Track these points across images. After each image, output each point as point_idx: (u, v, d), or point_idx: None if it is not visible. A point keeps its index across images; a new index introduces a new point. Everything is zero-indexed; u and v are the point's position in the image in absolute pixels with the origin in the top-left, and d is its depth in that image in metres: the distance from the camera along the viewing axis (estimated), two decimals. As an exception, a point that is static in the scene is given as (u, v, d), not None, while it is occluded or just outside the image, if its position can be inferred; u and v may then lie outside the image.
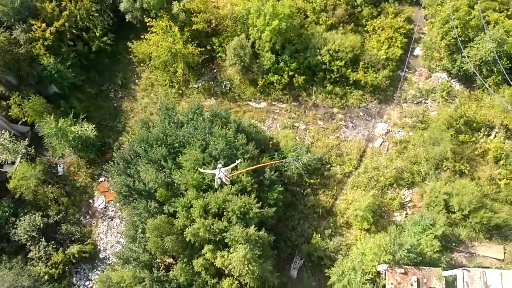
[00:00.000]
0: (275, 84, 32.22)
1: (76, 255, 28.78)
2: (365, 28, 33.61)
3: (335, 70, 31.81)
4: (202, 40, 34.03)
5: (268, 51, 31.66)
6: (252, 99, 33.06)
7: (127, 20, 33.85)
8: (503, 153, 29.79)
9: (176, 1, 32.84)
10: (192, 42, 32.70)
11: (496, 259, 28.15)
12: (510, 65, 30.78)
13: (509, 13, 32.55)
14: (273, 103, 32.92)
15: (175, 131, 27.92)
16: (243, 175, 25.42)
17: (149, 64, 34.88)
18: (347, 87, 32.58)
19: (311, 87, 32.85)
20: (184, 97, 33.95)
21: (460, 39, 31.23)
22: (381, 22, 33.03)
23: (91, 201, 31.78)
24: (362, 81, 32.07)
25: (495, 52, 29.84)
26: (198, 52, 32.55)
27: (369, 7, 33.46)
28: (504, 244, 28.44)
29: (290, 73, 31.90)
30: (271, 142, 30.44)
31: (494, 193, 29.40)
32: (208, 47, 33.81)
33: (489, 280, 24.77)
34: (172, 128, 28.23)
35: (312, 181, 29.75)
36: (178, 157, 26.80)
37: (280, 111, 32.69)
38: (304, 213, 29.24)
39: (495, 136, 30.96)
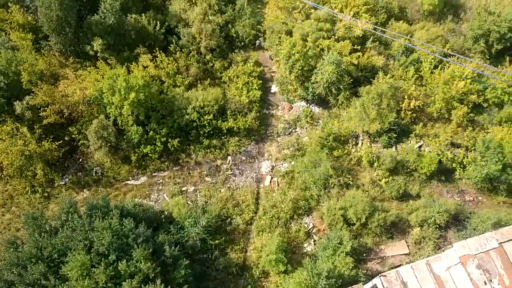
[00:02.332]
0: (150, 154, 31.58)
1: None
2: (222, 80, 35.81)
3: (206, 124, 32.78)
4: (58, 132, 32.00)
5: (133, 124, 31.21)
6: (130, 177, 31.75)
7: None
8: (373, 156, 33.74)
9: (18, 100, 30.61)
10: (47, 138, 30.47)
11: (403, 254, 30.78)
12: (351, 80, 35.88)
13: (336, 37, 38.22)
14: (153, 174, 32.08)
15: (49, 241, 24.86)
16: (140, 262, 23.60)
17: (2, 175, 31.16)
18: (223, 137, 33.71)
19: (188, 147, 33.09)
20: (51, 199, 30.85)
21: (305, 69, 35.53)
22: (234, 71, 35.64)
23: None
24: (235, 128, 33.62)
25: (335, 72, 34.43)
26: (56, 147, 30.36)
27: (219, 60, 36.00)
28: (404, 238, 31.45)
29: (163, 139, 31.74)
30: (162, 215, 29.25)
31: (379, 194, 32.73)
32: (66, 138, 31.80)
33: (404, 277, 26.64)
34: (46, 239, 25.11)
35: (217, 241, 29.13)
36: (61, 269, 23.72)
37: (163, 180, 31.95)
38: (218, 278, 28.18)
39: (362, 143, 35.07)
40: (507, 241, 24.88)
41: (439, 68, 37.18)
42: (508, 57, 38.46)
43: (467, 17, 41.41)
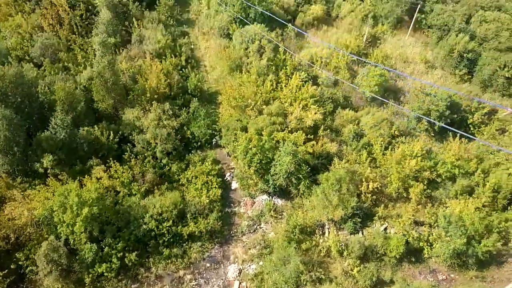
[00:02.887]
0: (105, 274, 29.49)
1: None
2: (180, 182, 35.57)
3: (165, 232, 31.66)
4: (3, 260, 29.52)
5: (86, 242, 29.58)
6: (85, 304, 29.09)
7: None
8: (342, 245, 33.34)
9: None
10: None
11: None
12: (309, 168, 36.78)
13: (289, 129, 39.88)
14: (110, 296, 29.63)
15: None
16: None
17: None
18: (184, 244, 32.44)
19: (147, 260, 31.38)
20: None
21: (263, 162, 36.22)
22: (192, 172, 35.74)
23: None
24: (196, 232, 32.63)
25: (293, 162, 35.23)
26: (0, 278, 27.73)
27: (176, 163, 36.17)
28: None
29: (119, 255, 30.07)
30: None
31: (353, 285, 31.78)
32: (13, 266, 29.30)
33: None
34: None
35: None
36: None
37: (121, 302, 29.53)
38: None
39: (329, 232, 34.82)
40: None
41: (389, 149, 39.18)
42: (450, 132, 41.31)
43: (407, 99, 45.10)
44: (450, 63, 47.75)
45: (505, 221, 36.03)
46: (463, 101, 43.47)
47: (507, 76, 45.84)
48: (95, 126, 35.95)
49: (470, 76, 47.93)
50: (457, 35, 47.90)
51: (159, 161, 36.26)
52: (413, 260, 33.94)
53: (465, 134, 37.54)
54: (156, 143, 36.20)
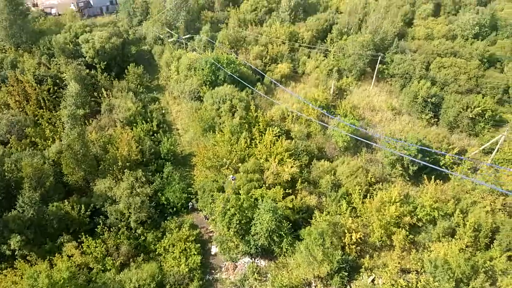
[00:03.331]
0: None
1: None
2: (157, 252, 34.67)
3: (144, 309, 30.19)
4: None
5: (58, 328, 27.76)
6: None
7: None
8: (331, 302, 32.61)
9: None
10: None
11: None
12: (291, 224, 36.68)
13: (267, 185, 40.25)
14: None
15: None
16: None
17: None
18: (163, 320, 30.93)
19: None
20: None
21: (242, 222, 35.96)
22: (169, 240, 35.03)
23: None
24: (177, 305, 31.30)
25: (274, 219, 35.12)
26: None
27: (151, 232, 35.49)
28: None
29: None
30: None
31: None
32: None
33: None
34: None
35: None
36: None
37: None
38: None
39: (316, 290, 34.12)
40: None
41: (368, 196, 39.90)
42: (425, 175, 42.67)
43: (379, 146, 46.80)
44: (415, 108, 50.54)
45: (490, 260, 36.42)
46: (433, 143, 45.49)
47: (470, 116, 48.73)
48: (65, 200, 35.43)
49: (436, 119, 50.64)
50: (419, 82, 51.28)
51: (133, 232, 35.50)
52: (406, 311, 33.26)
53: (437, 167, 38.88)
54: (130, 213, 35.66)
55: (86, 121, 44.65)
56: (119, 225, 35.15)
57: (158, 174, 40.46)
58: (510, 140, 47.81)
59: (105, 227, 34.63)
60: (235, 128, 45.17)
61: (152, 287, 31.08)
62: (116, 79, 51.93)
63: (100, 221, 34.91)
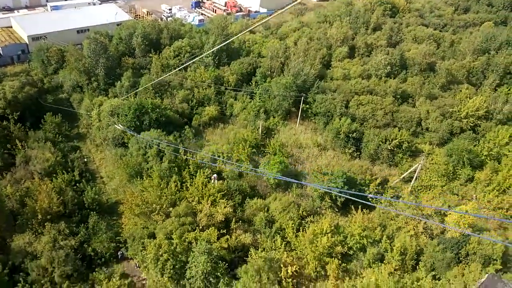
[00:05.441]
0: None
1: None
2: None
3: None
4: None
5: None
6: None
7: None
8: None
9: None
10: None
11: None
12: (227, 264, 39.48)
13: (200, 227, 42.92)
14: None
15: None
16: None
17: None
18: None
19: None
20: None
21: (176, 267, 38.11)
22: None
23: None
24: None
25: (209, 261, 37.69)
26: None
27: (78, 285, 36.31)
28: None
29: None
30: None
31: None
32: None
33: None
34: None
35: None
36: None
37: None
38: None
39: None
40: None
41: (301, 230, 44.30)
42: (352, 205, 48.43)
43: (308, 181, 52.29)
44: (339, 143, 57.60)
45: (417, 281, 42.05)
46: (357, 175, 52.07)
47: (389, 148, 56.65)
48: (-22, 261, 35.11)
49: (359, 153, 57.95)
50: (340, 119, 58.76)
51: (59, 287, 35.83)
52: (343, 338, 37.00)
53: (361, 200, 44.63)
54: (54, 267, 36.15)
55: (-1, 174, 44.78)
56: (42, 281, 35.42)
57: (83, 225, 41.42)
58: (426, 168, 56.22)
59: (27, 285, 34.69)
60: (164, 173, 47.90)
61: None
62: (32, 129, 52.61)
63: (21, 279, 34.93)
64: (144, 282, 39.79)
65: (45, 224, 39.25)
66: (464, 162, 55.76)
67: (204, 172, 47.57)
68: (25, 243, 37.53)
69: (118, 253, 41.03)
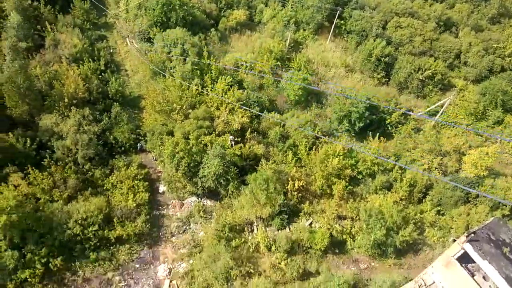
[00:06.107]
0: (29, 279, 33.14)
1: None
2: (105, 187, 40.17)
3: (91, 236, 36.03)
4: None
5: (6, 249, 33.00)
6: (7, 310, 32.50)
7: None
8: (270, 240, 40.01)
9: None
10: None
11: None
12: (238, 170, 43.38)
13: (217, 132, 46.28)
14: (34, 302, 33.35)
15: None
16: None
17: None
18: (111, 247, 37.04)
19: (73, 264, 35.50)
20: None
21: (191, 165, 42.10)
22: (117, 177, 40.50)
23: None
24: (124, 235, 37.39)
25: (221, 165, 41.51)
26: None
27: (99, 168, 40.79)
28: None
29: (43, 260, 33.86)
30: None
31: (281, 277, 38.32)
32: None
33: None
34: None
35: None
36: None
37: (47, 306, 33.36)
38: None
39: (257, 229, 41.45)
40: (403, 301, 32.11)
41: (313, 149, 47.22)
42: (370, 132, 50.58)
43: (329, 102, 54.07)
44: (368, 67, 58.06)
45: (420, 213, 45.51)
46: (381, 102, 53.38)
47: (421, 78, 57.02)
48: (10, 133, 39.48)
49: (387, 79, 58.56)
50: (374, 40, 58.48)
51: (81, 167, 40.50)
52: (337, 251, 41.54)
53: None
54: (77, 149, 40.49)
55: (29, 54, 47.72)
56: (66, 160, 40.01)
57: (106, 113, 45.07)
58: (454, 104, 56.96)
59: (52, 161, 39.38)
60: (186, 74, 50.19)
61: (99, 218, 36.83)
62: (61, 13, 54.54)
63: (47, 155, 39.55)
64: (159, 174, 44.28)
65: (71, 108, 42.87)
66: (497, 103, 55.93)
67: (225, 79, 49.59)
68: (52, 123, 41.59)
69: (138, 145, 45.14)
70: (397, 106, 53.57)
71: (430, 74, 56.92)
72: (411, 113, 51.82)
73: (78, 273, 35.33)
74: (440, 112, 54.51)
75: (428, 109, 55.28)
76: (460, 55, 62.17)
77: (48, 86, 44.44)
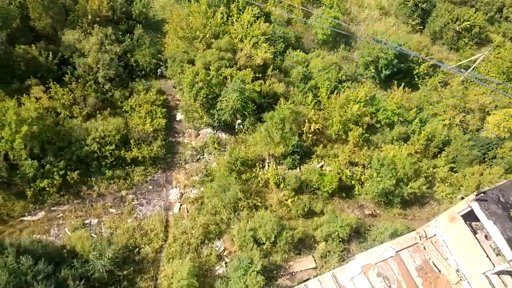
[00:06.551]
0: (47, 189, 35.89)
1: None
2: (123, 109, 41.87)
3: (108, 155, 38.23)
4: None
5: (27, 158, 35.41)
6: (26, 213, 35.50)
7: None
8: (280, 178, 41.87)
9: None
10: None
11: (311, 268, 38.55)
12: (255, 106, 44.42)
13: (238, 66, 46.84)
14: (52, 209, 36.27)
15: None
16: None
17: None
18: (127, 167, 39.37)
19: (89, 179, 38.10)
20: None
21: (209, 96, 43.23)
22: (136, 100, 42.03)
23: None
24: (140, 157, 39.58)
25: (240, 99, 42.53)
26: None
27: (119, 89, 42.23)
28: (311, 253, 39.32)
29: (61, 172, 36.39)
30: (65, 250, 33.43)
31: (287, 213, 40.63)
32: None
33: (312, 291, 33.96)
34: None
35: (125, 272, 34.02)
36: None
37: (63, 214, 36.28)
38: (129, 308, 33.03)
39: (268, 166, 43.22)
40: (403, 249, 33.58)
41: (335, 93, 47.67)
42: (396, 81, 50.47)
43: (358, 45, 53.53)
44: (404, 11, 56.65)
45: (433, 168, 46.51)
46: (413, 51, 52.59)
47: (457, 29, 55.62)
48: (33, 45, 40.68)
49: (422, 27, 57.25)
50: (414, -17, 56.51)
51: (101, 86, 41.96)
52: (344, 195, 43.34)
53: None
54: (98, 68, 41.71)
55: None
56: (87, 78, 41.40)
57: (128, 35, 45.67)
58: (488, 61, 55.83)
59: (73, 78, 40.82)
60: (212, 1, 49.88)
61: (117, 138, 38.81)
62: None
63: (68, 71, 40.94)
64: (177, 102, 45.69)
65: (94, 25, 43.54)
66: (535, 62, 54.66)
67: (252, 10, 49.18)
68: (74, 39, 42.55)
69: (158, 70, 46.13)
70: (428, 57, 52.80)
71: (468, 26, 55.35)
72: (441, 64, 51.22)
73: (93, 188, 37.97)
74: (472, 68, 53.66)
75: (460, 63, 54.39)
76: (503, 9, 59.93)
77: (72, 0, 44.88)
